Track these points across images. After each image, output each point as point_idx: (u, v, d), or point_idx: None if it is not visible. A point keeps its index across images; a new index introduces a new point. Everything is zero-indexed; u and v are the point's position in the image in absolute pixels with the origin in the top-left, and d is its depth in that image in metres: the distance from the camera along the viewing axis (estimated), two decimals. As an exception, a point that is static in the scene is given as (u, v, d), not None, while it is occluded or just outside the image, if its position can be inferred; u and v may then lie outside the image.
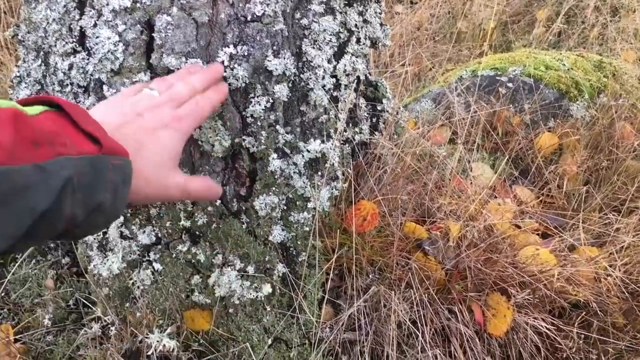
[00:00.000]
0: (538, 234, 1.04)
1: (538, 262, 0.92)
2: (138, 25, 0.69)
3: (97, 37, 0.70)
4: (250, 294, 0.80)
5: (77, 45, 0.74)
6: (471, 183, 1.06)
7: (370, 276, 0.87)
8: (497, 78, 1.44)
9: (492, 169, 1.25)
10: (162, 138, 0.58)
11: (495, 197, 1.10)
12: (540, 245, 0.98)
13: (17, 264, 0.91)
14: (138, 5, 0.69)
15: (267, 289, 0.81)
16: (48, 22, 0.75)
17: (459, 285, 0.89)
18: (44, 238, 0.43)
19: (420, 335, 0.81)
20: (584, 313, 0.92)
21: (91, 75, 0.73)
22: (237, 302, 0.81)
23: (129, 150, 0.51)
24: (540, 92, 1.40)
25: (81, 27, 0.73)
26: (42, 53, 0.80)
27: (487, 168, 1.23)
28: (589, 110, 1.37)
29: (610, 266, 0.96)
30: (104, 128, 0.49)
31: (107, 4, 0.69)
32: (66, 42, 0.74)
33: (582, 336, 0.90)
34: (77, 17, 0.73)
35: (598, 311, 0.91)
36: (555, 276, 0.89)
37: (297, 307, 0.83)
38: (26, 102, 0.47)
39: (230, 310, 0.82)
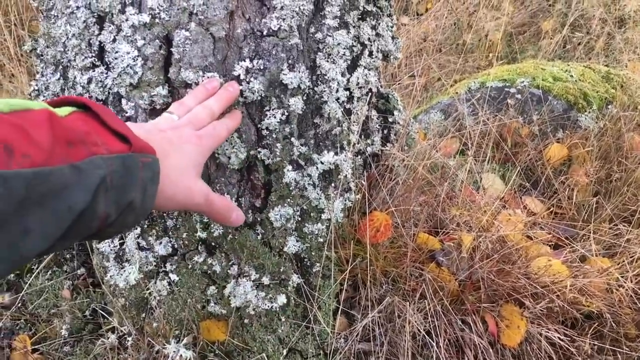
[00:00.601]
0: (550, 245, 1.04)
1: (550, 273, 0.92)
2: (157, 40, 0.71)
3: (116, 52, 0.72)
4: (266, 304, 0.81)
5: (96, 60, 0.75)
6: (482, 194, 1.07)
7: (384, 287, 0.88)
8: (506, 89, 1.45)
9: (502, 180, 1.25)
10: (186, 149, 0.60)
11: (506, 207, 1.11)
12: (552, 256, 0.99)
13: (33, 275, 0.91)
14: (157, 20, 0.70)
15: (282, 299, 0.81)
16: (67, 37, 0.77)
17: (473, 296, 0.89)
18: (79, 238, 0.44)
19: (434, 345, 0.82)
20: (597, 324, 0.93)
21: (110, 89, 0.74)
22: (252, 312, 0.82)
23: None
24: (548, 104, 1.40)
25: (100, 42, 0.74)
26: (60, 67, 0.82)
27: (497, 179, 1.24)
28: (597, 122, 1.38)
29: (622, 277, 0.96)
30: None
31: (127, 20, 0.70)
32: (85, 57, 0.75)
33: (595, 347, 0.90)
34: (97, 32, 0.74)
35: (611, 322, 0.91)
36: (568, 287, 0.90)
37: (311, 318, 0.84)
38: (54, 104, 0.48)
39: (246, 321, 0.83)
